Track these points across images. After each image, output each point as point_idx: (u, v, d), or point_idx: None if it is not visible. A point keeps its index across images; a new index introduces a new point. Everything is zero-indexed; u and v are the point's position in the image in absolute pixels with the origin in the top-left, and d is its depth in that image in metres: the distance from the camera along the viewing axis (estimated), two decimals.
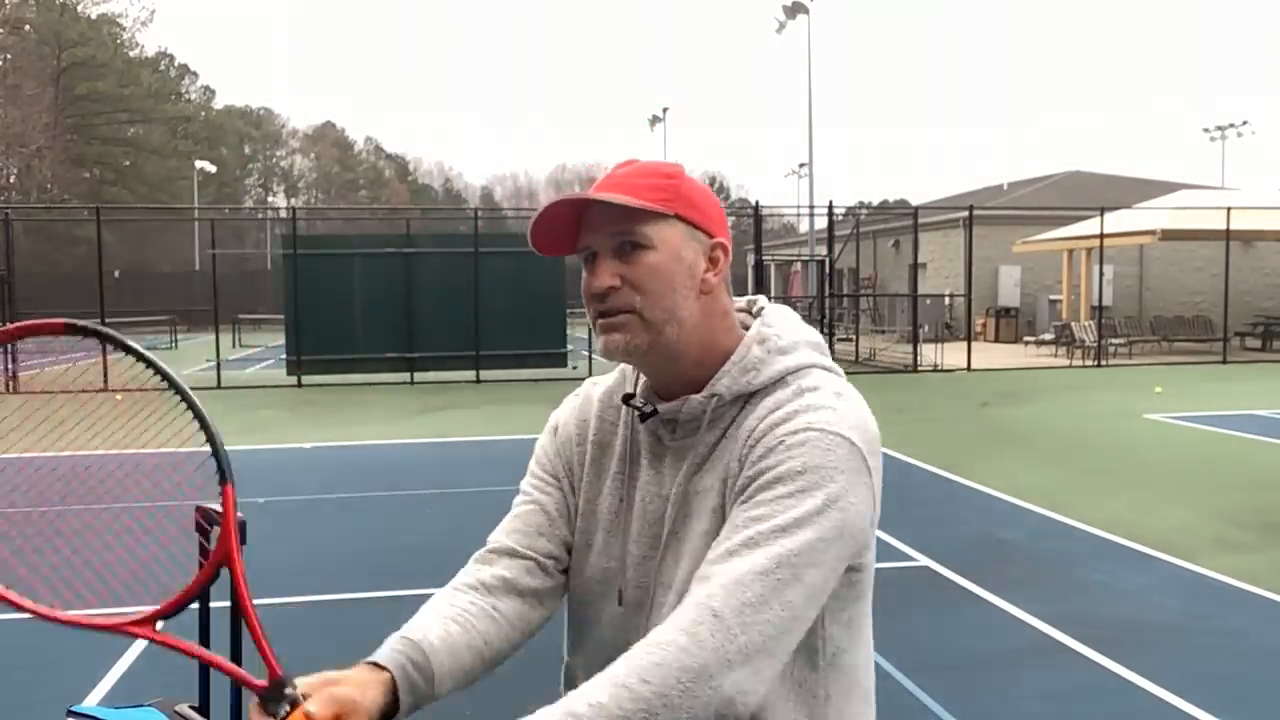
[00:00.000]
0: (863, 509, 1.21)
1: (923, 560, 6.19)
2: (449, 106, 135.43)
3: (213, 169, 57.03)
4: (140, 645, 4.60)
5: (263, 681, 1.10)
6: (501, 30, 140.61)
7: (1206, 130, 55.46)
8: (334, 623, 5.19)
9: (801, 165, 54.60)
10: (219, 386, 17.49)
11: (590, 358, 18.06)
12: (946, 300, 28.18)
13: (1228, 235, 21.95)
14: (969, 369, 19.90)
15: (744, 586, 1.13)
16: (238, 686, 1.58)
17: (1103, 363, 21.25)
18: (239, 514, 1.75)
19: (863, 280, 31.32)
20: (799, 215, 53.89)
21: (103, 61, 50.01)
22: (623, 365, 1.43)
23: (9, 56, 47.42)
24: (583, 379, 1.52)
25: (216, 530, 1.95)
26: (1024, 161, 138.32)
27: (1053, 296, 28.92)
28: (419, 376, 18.21)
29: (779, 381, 1.29)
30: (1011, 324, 28.34)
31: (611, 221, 1.27)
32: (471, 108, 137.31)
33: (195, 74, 64.02)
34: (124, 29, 53.16)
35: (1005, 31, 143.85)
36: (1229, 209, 21.92)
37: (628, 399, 1.38)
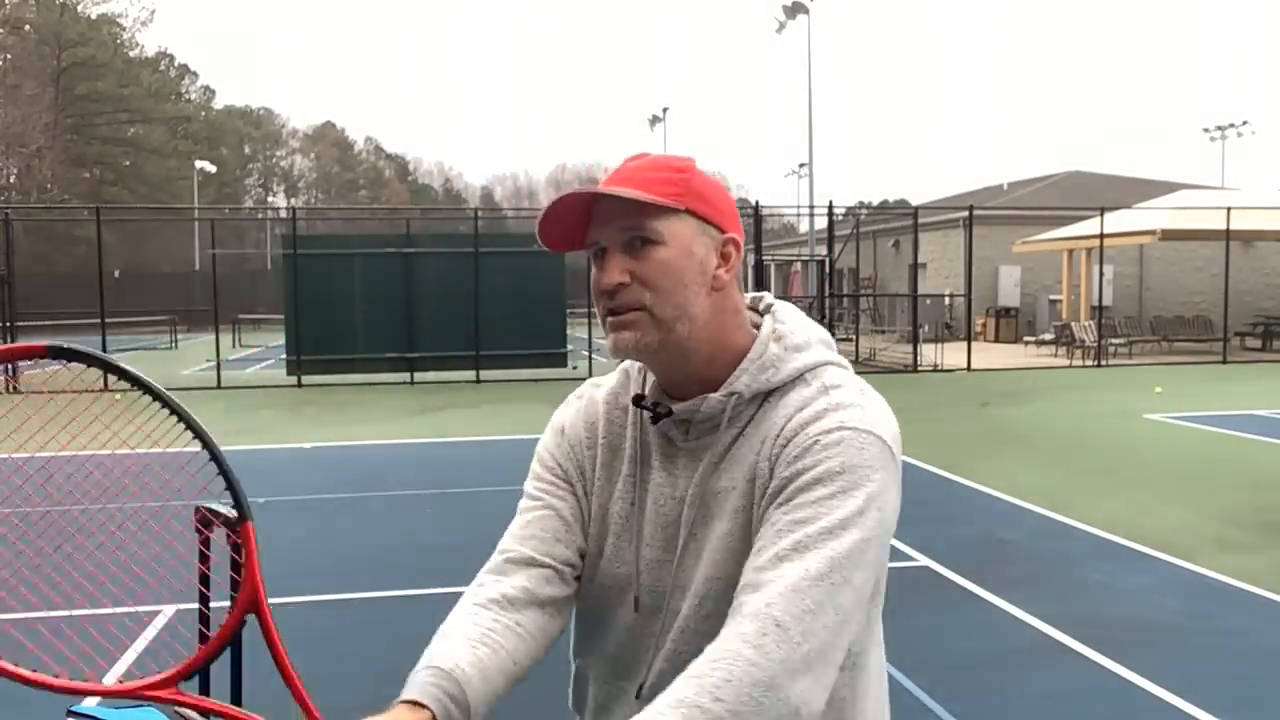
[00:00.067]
0: (895, 506, 1.21)
1: (923, 560, 6.19)
2: (449, 106, 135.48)
3: (213, 169, 57.02)
4: (140, 645, 4.60)
5: None
6: (502, 30, 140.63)
7: (1206, 130, 55.46)
8: (334, 623, 5.18)
9: (801, 165, 54.61)
10: (219, 386, 17.49)
11: (590, 358, 18.06)
12: (946, 300, 28.17)
13: (1228, 235, 21.94)
14: (969, 369, 19.90)
15: (802, 594, 1.11)
16: (238, 687, 1.57)
17: (1103, 363, 21.25)
18: (236, 513, 1.73)
19: (863, 280, 31.31)
20: (799, 215, 53.88)
21: (103, 61, 50.01)
22: (625, 365, 1.40)
23: (9, 56, 47.43)
24: (583, 379, 1.49)
25: (218, 531, 1.94)
26: (1024, 161, 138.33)
27: (1053, 296, 28.91)
28: (419, 376, 18.21)
29: (798, 379, 1.27)
30: (1011, 324, 28.34)
31: (621, 216, 1.24)
32: (471, 108, 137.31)
33: (195, 74, 64.06)
34: (124, 29, 53.21)
35: (1005, 31, 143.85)
36: (1229, 209, 21.92)
37: (639, 400, 1.34)
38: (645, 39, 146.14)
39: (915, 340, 20.70)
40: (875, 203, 57.87)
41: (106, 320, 18.53)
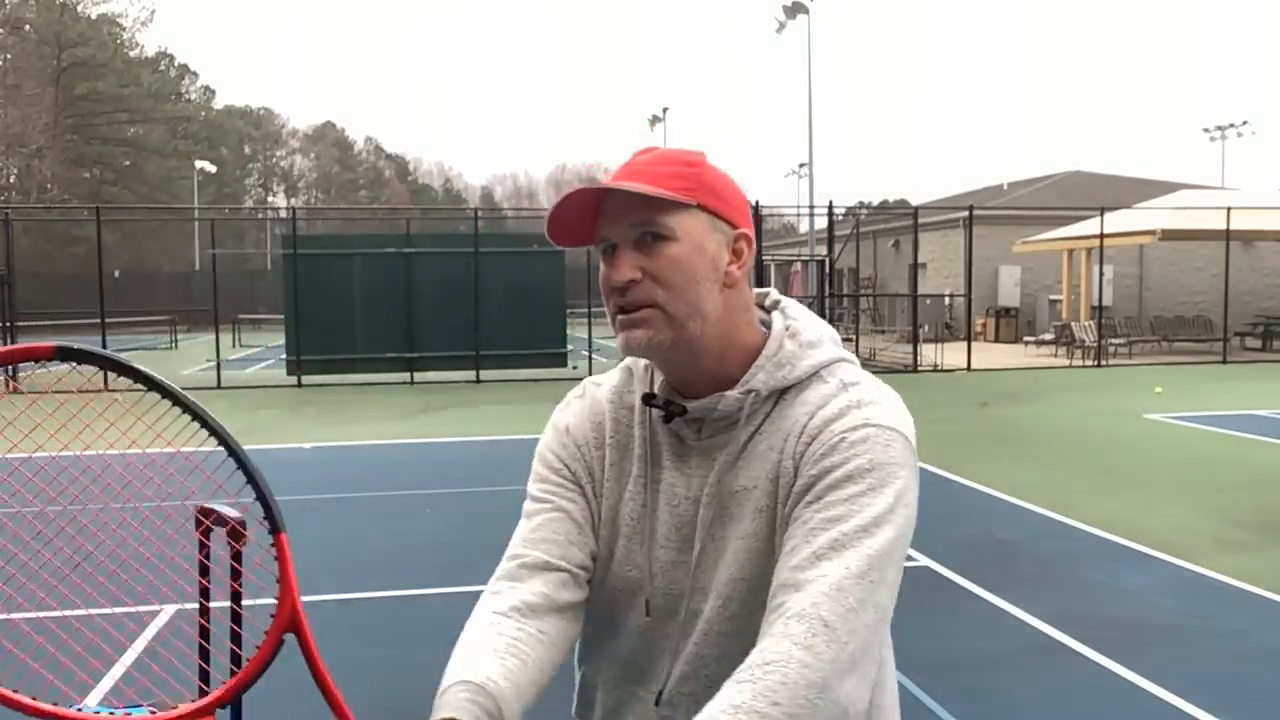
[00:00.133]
0: (916, 502, 1.20)
1: (923, 560, 6.19)
2: (449, 106, 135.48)
3: (213, 169, 57.03)
4: (140, 645, 4.59)
5: None
6: (502, 30, 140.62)
7: (1206, 130, 55.48)
8: (334, 623, 5.18)
9: (801, 165, 54.62)
10: (219, 386, 17.49)
11: (590, 357, 18.07)
12: (946, 300, 28.18)
13: (1228, 235, 21.94)
14: (969, 369, 19.90)
15: (845, 592, 1.10)
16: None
17: (1103, 363, 21.25)
18: (237, 513, 1.73)
19: (863, 280, 31.30)
20: (799, 215, 53.88)
21: (103, 61, 50.02)
22: (628, 363, 1.38)
23: (9, 56, 47.42)
24: (582, 379, 1.47)
25: (218, 532, 1.94)
26: (1024, 161, 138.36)
27: (1053, 296, 28.91)
28: (419, 376, 18.21)
29: (813, 377, 1.26)
30: (1011, 324, 28.34)
31: (631, 211, 1.22)
32: (472, 108, 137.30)
33: (195, 74, 64.08)
34: (124, 29, 53.21)
35: (1005, 31, 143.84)
36: (1229, 209, 21.92)
37: (650, 399, 1.31)
38: (645, 39, 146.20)
39: (915, 340, 20.71)
40: (875, 203, 57.88)
41: (106, 320, 18.53)
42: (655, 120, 50.97)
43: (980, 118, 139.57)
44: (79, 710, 1.15)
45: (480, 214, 20.40)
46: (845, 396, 1.23)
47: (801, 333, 1.29)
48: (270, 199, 76.55)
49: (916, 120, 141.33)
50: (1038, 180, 38.90)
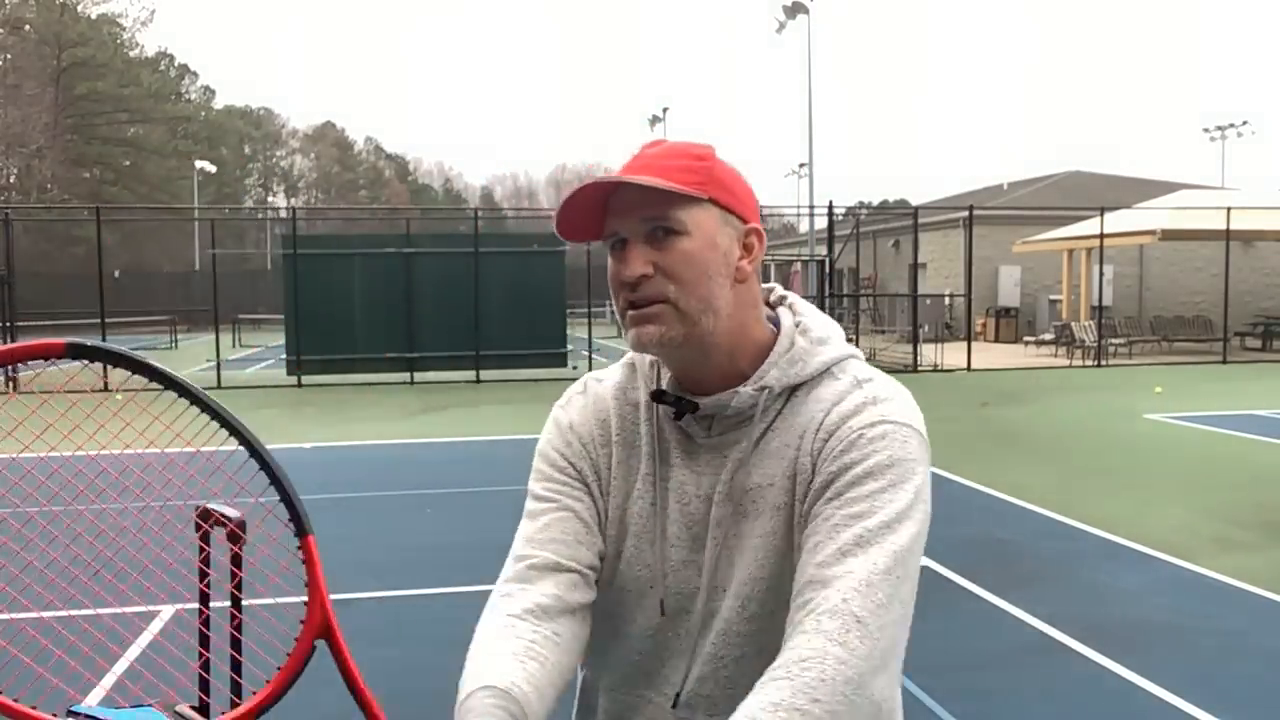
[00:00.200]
0: (929, 498, 1.20)
1: (923, 560, 6.18)
2: (449, 106, 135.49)
3: (213, 169, 57.05)
4: (141, 645, 4.59)
5: None
6: (502, 30, 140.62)
7: (1206, 130, 55.47)
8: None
9: (801, 165, 54.62)
10: (219, 386, 17.48)
11: (590, 357, 18.06)
12: (946, 300, 28.17)
13: (1228, 235, 21.94)
14: (969, 369, 19.90)
15: (874, 588, 1.10)
16: (238, 686, 1.54)
17: (1103, 363, 21.25)
18: (237, 513, 1.72)
19: (863, 280, 31.31)
20: (799, 215, 53.90)
21: (103, 61, 50.03)
22: (631, 359, 1.35)
23: (9, 56, 47.42)
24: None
25: (219, 532, 1.94)
26: (1024, 161, 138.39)
27: (1053, 296, 28.92)
28: (419, 376, 18.21)
29: (825, 373, 1.25)
30: (1011, 324, 28.34)
31: (643, 206, 1.19)
32: (471, 108, 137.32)
33: (195, 74, 64.11)
34: (124, 29, 53.22)
35: (1005, 31, 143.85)
36: (1229, 209, 21.92)
37: (660, 395, 1.28)
38: (645, 39, 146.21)
39: (915, 340, 20.71)
40: (875, 203, 57.90)
41: (106, 320, 18.55)
42: (655, 120, 50.97)
43: (980, 118, 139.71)
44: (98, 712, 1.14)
45: (480, 214, 20.40)
46: (860, 393, 1.22)
47: (812, 329, 1.28)
48: (270, 199, 76.59)
49: (916, 120, 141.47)
50: (1038, 180, 38.90)
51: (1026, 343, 26.21)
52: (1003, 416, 13.25)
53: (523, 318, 18.27)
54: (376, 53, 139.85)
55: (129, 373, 1.21)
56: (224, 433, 1.26)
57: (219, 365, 18.38)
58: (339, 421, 13.26)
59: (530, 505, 1.31)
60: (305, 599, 1.21)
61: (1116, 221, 22.94)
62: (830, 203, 22.17)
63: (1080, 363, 21.59)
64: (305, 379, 17.93)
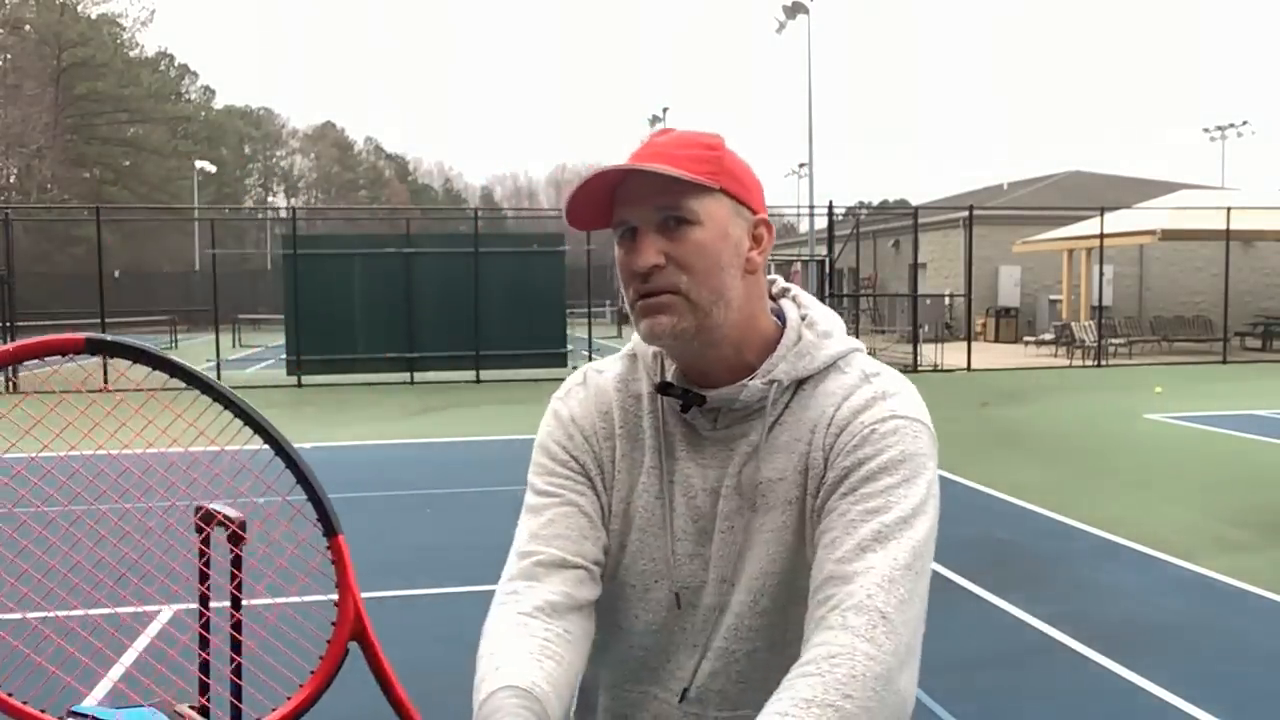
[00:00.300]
0: (939, 493, 1.20)
1: None
2: (449, 106, 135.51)
3: (213, 169, 57.05)
4: (141, 645, 4.59)
5: None
6: (502, 30, 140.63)
7: (1206, 130, 55.47)
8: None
9: (801, 165, 54.62)
10: None
11: (590, 357, 18.05)
12: (946, 300, 28.17)
13: (1228, 235, 21.94)
14: (969, 369, 19.90)
15: (896, 584, 1.09)
16: (238, 687, 1.53)
17: (1103, 363, 21.25)
18: (238, 513, 1.73)
19: (863, 280, 31.30)
20: (799, 215, 53.94)
21: (103, 61, 50.04)
22: (633, 350, 1.33)
23: (9, 56, 47.44)
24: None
25: (220, 532, 1.94)
26: (1024, 161, 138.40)
27: (1053, 296, 28.91)
28: (419, 376, 18.21)
29: (831, 367, 1.24)
30: (1011, 324, 28.34)
31: (655, 195, 1.17)
32: (471, 108, 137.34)
33: (195, 74, 64.15)
34: (124, 29, 53.26)
35: (1005, 31, 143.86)
36: (1229, 209, 21.92)
37: (666, 388, 1.25)
38: (645, 38, 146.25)
39: (915, 340, 20.71)
40: (875, 203, 57.85)
41: (106, 320, 18.55)
42: (655, 120, 50.98)
43: (980, 118, 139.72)
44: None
45: (480, 214, 20.39)
46: (869, 388, 1.21)
47: (818, 322, 1.27)
48: (270, 199, 76.59)
49: (916, 120, 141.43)
50: (1038, 180, 38.89)
51: (1026, 343, 26.21)
52: (1003, 416, 13.25)
53: (523, 318, 18.26)
54: (376, 53, 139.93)
55: (149, 368, 1.19)
56: (232, 430, 1.25)
57: (219, 365, 18.37)
58: (339, 422, 13.26)
59: (532, 499, 1.28)
60: (320, 599, 1.18)
61: (1116, 221, 22.94)
62: (830, 203, 22.20)
63: (1080, 363, 21.58)
64: (305, 379, 17.93)
